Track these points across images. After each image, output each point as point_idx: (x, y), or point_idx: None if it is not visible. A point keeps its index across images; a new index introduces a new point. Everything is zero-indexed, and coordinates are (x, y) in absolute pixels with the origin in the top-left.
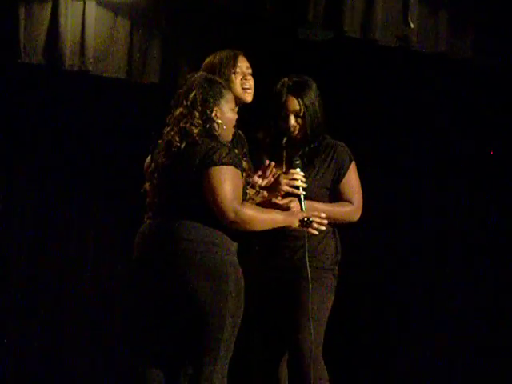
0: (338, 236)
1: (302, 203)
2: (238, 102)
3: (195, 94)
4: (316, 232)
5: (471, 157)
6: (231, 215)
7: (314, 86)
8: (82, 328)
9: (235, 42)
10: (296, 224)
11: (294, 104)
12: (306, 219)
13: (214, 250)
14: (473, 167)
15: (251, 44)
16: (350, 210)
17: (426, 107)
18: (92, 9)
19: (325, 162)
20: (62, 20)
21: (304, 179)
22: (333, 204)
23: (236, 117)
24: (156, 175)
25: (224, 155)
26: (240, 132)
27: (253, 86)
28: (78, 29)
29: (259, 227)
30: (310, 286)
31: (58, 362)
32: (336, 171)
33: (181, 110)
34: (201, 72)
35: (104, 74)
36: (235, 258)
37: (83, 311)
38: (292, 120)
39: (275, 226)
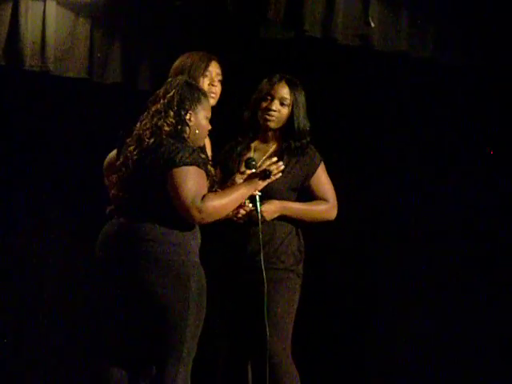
0: (301, 235)
1: (258, 204)
2: None
3: (173, 94)
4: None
5: (430, 154)
6: (196, 214)
7: (304, 93)
8: (46, 326)
9: (196, 41)
10: (260, 184)
11: (284, 91)
12: (266, 172)
13: (175, 250)
14: (435, 163)
15: (212, 43)
16: (326, 207)
17: (387, 106)
18: (52, 9)
19: (292, 162)
20: (22, 20)
21: None
22: (308, 203)
23: (209, 127)
24: (124, 169)
25: (187, 155)
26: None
27: (218, 94)
28: (38, 29)
29: (229, 210)
30: (266, 286)
31: (23, 362)
32: (304, 171)
33: (157, 106)
34: (184, 76)
35: (65, 74)
36: (197, 258)
37: (46, 311)
38: (276, 104)
39: (244, 199)
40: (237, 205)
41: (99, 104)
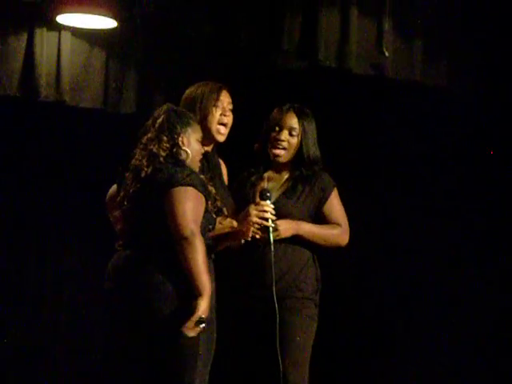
0: (317, 264)
1: (271, 235)
2: (212, 139)
3: (163, 120)
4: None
5: (445, 184)
6: (187, 233)
7: (314, 121)
8: (59, 353)
9: (210, 72)
10: (199, 314)
11: (293, 121)
12: (201, 322)
13: (181, 278)
14: (448, 191)
15: (226, 73)
16: (339, 232)
17: (400, 134)
18: (67, 39)
19: (307, 189)
20: (37, 51)
21: (273, 211)
22: (322, 225)
23: (202, 150)
24: (125, 202)
25: (184, 177)
26: (221, 162)
27: (230, 124)
28: (53, 59)
29: (192, 265)
30: (278, 317)
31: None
32: (318, 197)
33: (149, 135)
34: (167, 103)
35: (80, 105)
36: None
37: (60, 339)
38: (285, 134)
39: (196, 286)
40: (197, 275)
41: (114, 134)
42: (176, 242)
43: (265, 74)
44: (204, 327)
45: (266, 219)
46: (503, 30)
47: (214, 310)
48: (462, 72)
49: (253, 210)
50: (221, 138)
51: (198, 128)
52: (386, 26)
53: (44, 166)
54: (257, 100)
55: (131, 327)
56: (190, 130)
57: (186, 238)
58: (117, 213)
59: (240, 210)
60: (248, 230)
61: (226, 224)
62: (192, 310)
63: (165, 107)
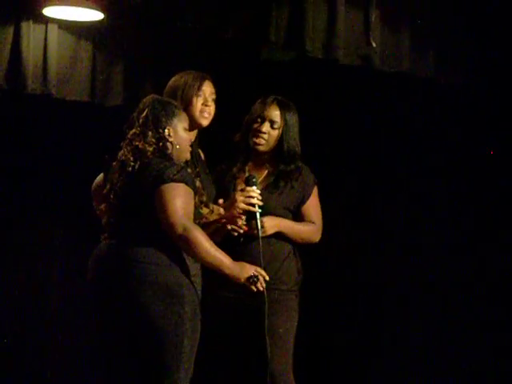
0: (298, 256)
1: (258, 221)
2: (196, 125)
3: (147, 114)
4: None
5: (433, 174)
6: (179, 230)
7: (297, 115)
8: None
9: (198, 64)
10: (242, 280)
11: (275, 113)
12: (253, 277)
13: (167, 271)
14: (437, 182)
15: (214, 65)
16: (313, 229)
17: (389, 125)
18: (54, 32)
19: (289, 184)
20: (24, 43)
21: (260, 197)
22: (299, 223)
23: (191, 137)
24: (112, 196)
25: (175, 173)
26: (200, 151)
27: (212, 113)
28: (40, 52)
29: (203, 255)
30: (266, 306)
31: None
32: (300, 194)
33: (134, 130)
34: (152, 94)
35: (67, 98)
36: (190, 279)
37: (50, 332)
38: (266, 126)
39: (219, 268)
40: (212, 262)
41: (102, 127)
42: (175, 241)
43: (252, 66)
44: (257, 280)
45: (253, 205)
46: (491, 19)
47: (198, 303)
48: (450, 62)
49: (239, 196)
50: (204, 122)
51: (184, 116)
52: (373, 16)
53: (31, 159)
54: (244, 92)
55: (115, 319)
56: (175, 120)
57: (180, 236)
58: (103, 206)
59: (218, 199)
60: (236, 216)
61: (214, 211)
62: (179, 302)
63: (149, 98)
